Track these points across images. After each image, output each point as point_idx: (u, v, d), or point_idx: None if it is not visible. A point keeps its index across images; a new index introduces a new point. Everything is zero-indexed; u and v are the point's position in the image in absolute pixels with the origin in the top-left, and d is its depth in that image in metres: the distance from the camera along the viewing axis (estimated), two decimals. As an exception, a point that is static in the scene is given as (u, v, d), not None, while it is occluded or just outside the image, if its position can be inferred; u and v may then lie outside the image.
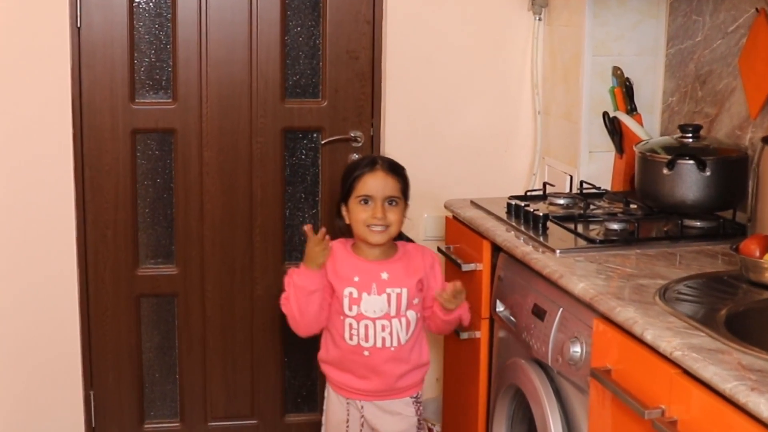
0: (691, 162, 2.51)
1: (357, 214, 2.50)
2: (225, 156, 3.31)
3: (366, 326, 2.49)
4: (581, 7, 3.06)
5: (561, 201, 2.80)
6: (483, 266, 2.69)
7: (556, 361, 2.25)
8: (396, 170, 2.54)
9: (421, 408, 2.63)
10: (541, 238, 2.47)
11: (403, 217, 2.54)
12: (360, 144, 3.36)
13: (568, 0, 3.17)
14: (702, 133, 2.65)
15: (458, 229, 2.88)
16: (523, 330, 2.43)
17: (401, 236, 2.60)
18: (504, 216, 2.72)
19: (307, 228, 2.44)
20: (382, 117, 3.36)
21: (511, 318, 2.53)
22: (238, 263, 3.38)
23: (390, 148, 3.32)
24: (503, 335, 2.64)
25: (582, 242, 2.44)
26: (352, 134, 3.36)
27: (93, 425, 3.38)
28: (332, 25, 3.30)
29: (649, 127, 3.01)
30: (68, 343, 3.27)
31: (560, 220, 2.59)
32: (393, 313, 2.49)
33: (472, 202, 2.92)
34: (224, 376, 3.45)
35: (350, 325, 2.50)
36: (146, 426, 3.44)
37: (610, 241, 2.42)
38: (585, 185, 2.95)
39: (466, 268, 2.74)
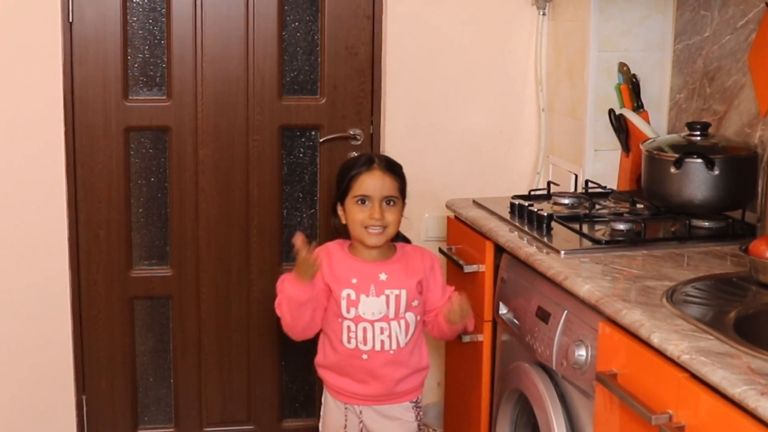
0: (699, 161, 2.51)
1: (354, 214, 2.49)
2: (221, 154, 3.31)
3: (364, 329, 2.49)
4: (586, 1, 3.05)
5: (566, 200, 2.80)
6: (485, 267, 2.69)
7: (561, 365, 2.25)
8: (393, 169, 2.53)
9: (421, 413, 2.63)
10: (546, 239, 2.47)
11: (401, 217, 2.53)
12: (359, 142, 3.36)
13: (573, -6, 3.17)
14: (710, 130, 2.65)
15: (460, 230, 2.88)
16: (526, 333, 2.43)
17: (399, 236, 2.60)
18: (507, 216, 2.72)
19: (299, 240, 2.40)
20: (382, 114, 3.36)
21: (515, 321, 2.52)
22: (234, 264, 3.38)
23: (390, 147, 3.32)
24: (506, 338, 2.64)
25: (587, 243, 2.43)
26: (351, 132, 3.36)
27: (85, 431, 3.38)
28: (331, 20, 3.30)
29: (656, 125, 3.01)
30: (60, 347, 3.27)
31: (565, 221, 2.59)
32: (392, 315, 2.49)
33: (475, 202, 2.91)
34: (220, 380, 3.45)
35: (348, 327, 2.50)
36: (140, 431, 3.44)
37: (616, 241, 2.41)
38: (590, 184, 2.95)
39: (468, 269, 2.74)
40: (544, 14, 3.34)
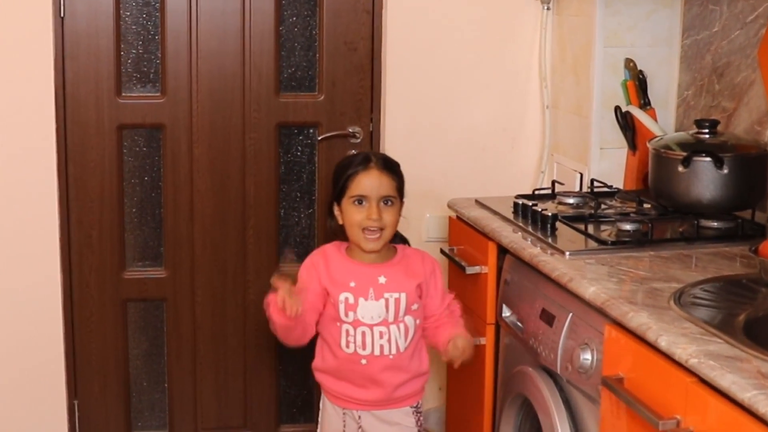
0: (708, 159, 2.51)
1: (351, 215, 2.48)
2: (216, 153, 3.31)
3: (363, 333, 2.48)
4: (592, -5, 3.06)
5: (570, 200, 2.80)
6: (488, 269, 2.69)
7: (566, 369, 2.24)
8: (391, 168, 2.52)
9: (421, 418, 2.63)
10: (550, 240, 2.47)
11: (399, 217, 2.53)
12: (358, 140, 3.36)
13: (578, -12, 3.17)
14: (719, 128, 2.64)
15: (462, 230, 2.88)
16: (530, 336, 2.42)
17: (398, 237, 2.59)
18: (510, 216, 2.71)
19: (277, 281, 2.33)
20: (382, 112, 3.36)
21: (518, 324, 2.52)
22: (229, 266, 3.38)
23: (390, 145, 3.32)
24: (510, 342, 2.64)
25: (593, 244, 2.43)
26: (350, 130, 3.36)
27: (77, 436, 3.38)
28: (329, 15, 3.29)
29: (663, 123, 3.01)
30: (51, 350, 3.27)
31: (570, 221, 2.59)
32: (391, 319, 2.49)
33: (477, 202, 2.91)
34: (215, 384, 3.44)
35: (347, 331, 2.49)
36: (133, 437, 3.44)
37: (622, 242, 2.41)
38: (596, 184, 2.95)
39: (470, 270, 2.74)
40: (548, 9, 3.34)
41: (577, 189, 3.11)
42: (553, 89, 3.37)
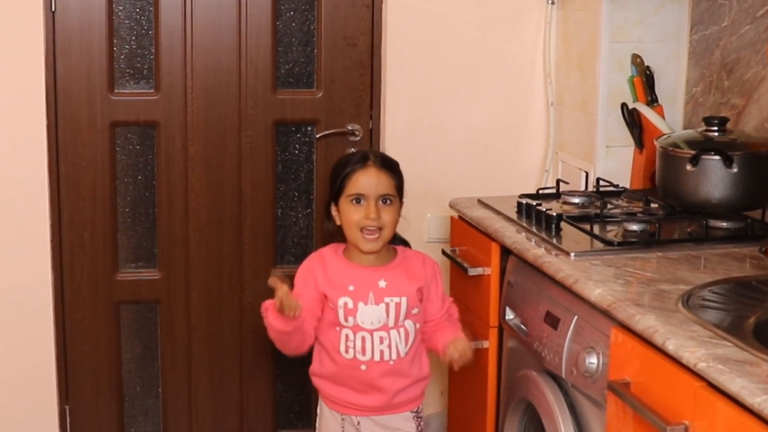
0: (717, 157, 2.51)
1: (349, 215, 2.48)
2: (212, 151, 3.31)
3: (363, 338, 2.48)
4: (598, -11, 3.06)
5: (576, 200, 2.80)
6: (491, 270, 2.69)
7: (571, 374, 2.24)
8: (389, 166, 2.52)
9: (422, 423, 2.62)
10: (555, 240, 2.46)
11: (398, 217, 2.52)
12: (358, 138, 3.36)
13: (583, -18, 3.17)
14: (728, 126, 2.64)
15: (464, 230, 2.88)
16: (534, 339, 2.42)
17: (397, 239, 2.59)
18: (514, 216, 2.71)
19: (275, 281, 2.32)
20: (382, 109, 3.36)
21: (522, 326, 2.52)
22: (225, 267, 3.38)
23: (390, 143, 3.32)
24: (513, 345, 2.64)
25: (598, 244, 2.43)
26: (349, 127, 3.36)
27: (69, 442, 3.38)
28: (328, 9, 3.30)
29: (671, 120, 3.01)
30: (42, 354, 3.27)
31: (575, 221, 2.59)
32: (391, 323, 2.48)
33: (480, 201, 2.91)
34: (211, 389, 3.44)
35: (346, 336, 2.49)
36: (126, 443, 3.44)
37: (628, 243, 2.41)
38: (602, 183, 2.95)
39: (472, 272, 2.73)
40: (552, 3, 3.34)
41: (583, 188, 3.11)
42: (558, 86, 3.37)
